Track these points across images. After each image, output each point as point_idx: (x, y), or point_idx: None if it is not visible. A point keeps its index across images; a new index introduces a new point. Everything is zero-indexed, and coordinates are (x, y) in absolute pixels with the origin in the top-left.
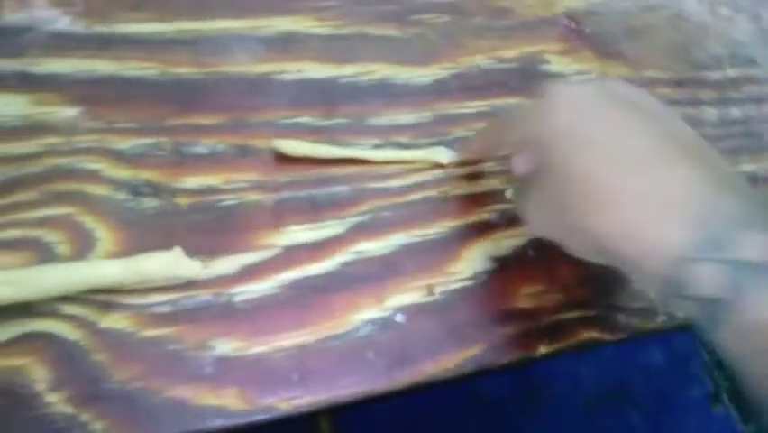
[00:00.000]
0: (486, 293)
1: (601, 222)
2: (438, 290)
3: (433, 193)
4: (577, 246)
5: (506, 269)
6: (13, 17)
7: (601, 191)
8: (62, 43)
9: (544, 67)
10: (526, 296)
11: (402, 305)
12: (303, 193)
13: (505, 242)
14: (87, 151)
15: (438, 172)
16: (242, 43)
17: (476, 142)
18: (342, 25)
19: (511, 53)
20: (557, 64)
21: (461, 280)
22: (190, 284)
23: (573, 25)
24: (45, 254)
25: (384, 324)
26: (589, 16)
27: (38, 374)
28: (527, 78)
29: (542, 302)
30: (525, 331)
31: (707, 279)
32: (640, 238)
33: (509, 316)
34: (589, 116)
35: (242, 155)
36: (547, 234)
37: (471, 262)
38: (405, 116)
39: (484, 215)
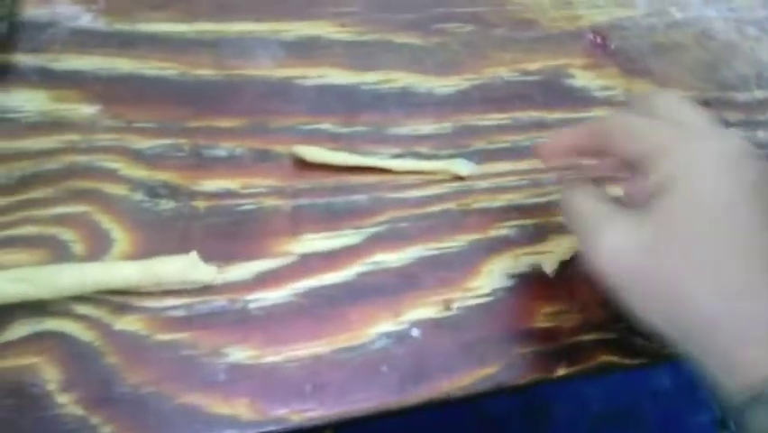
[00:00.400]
0: (504, 311)
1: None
2: (455, 305)
3: (452, 206)
4: (658, 304)
5: (525, 287)
6: (35, 13)
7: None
8: (83, 40)
9: (568, 81)
10: (545, 315)
11: (418, 319)
12: (321, 200)
13: (524, 259)
14: (106, 149)
15: (458, 184)
16: (263, 47)
17: (567, 136)
18: (365, 32)
19: (535, 66)
20: (581, 78)
21: (479, 296)
22: (205, 289)
23: (598, 40)
24: (61, 253)
25: (399, 338)
26: (615, 31)
27: (49, 374)
28: (551, 91)
29: (561, 322)
30: (543, 352)
31: None
32: (753, 331)
33: (527, 335)
34: (749, 161)
35: (261, 160)
36: (624, 270)
37: (490, 278)
38: (425, 126)
39: (504, 230)
